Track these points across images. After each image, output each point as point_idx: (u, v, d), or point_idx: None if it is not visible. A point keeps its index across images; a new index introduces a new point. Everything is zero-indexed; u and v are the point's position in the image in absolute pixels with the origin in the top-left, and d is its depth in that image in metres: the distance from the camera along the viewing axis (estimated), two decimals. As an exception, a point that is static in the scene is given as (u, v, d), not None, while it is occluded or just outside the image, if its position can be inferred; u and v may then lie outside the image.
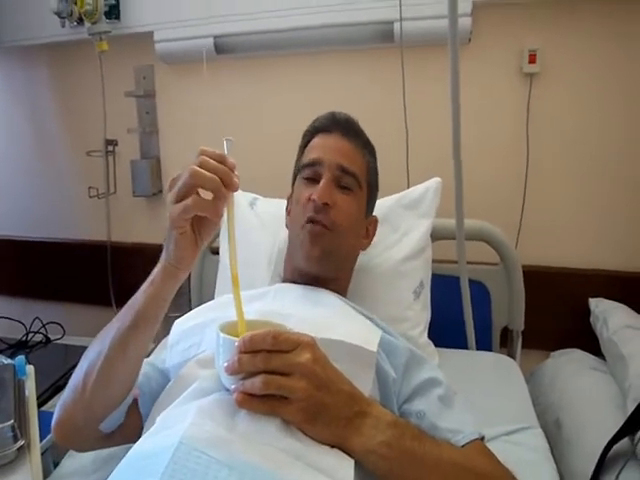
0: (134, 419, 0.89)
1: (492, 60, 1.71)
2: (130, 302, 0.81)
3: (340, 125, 1.13)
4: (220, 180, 0.70)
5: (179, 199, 0.71)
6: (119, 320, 0.81)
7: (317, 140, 1.14)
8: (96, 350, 0.82)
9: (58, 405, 0.88)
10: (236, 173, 0.72)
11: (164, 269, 0.78)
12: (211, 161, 0.71)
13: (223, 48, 1.86)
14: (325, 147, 1.11)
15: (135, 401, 0.90)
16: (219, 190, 0.70)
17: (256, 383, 0.68)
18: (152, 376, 0.95)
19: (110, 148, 2.10)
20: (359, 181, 1.10)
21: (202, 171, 0.70)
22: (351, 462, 0.70)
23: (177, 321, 1.03)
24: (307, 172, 1.10)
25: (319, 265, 1.06)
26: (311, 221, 1.05)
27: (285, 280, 1.16)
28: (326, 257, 1.05)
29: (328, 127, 1.13)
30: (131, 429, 0.88)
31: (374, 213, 1.24)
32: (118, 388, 0.83)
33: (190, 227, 0.75)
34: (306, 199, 1.06)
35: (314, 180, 1.08)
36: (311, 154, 1.12)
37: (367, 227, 1.20)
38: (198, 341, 0.93)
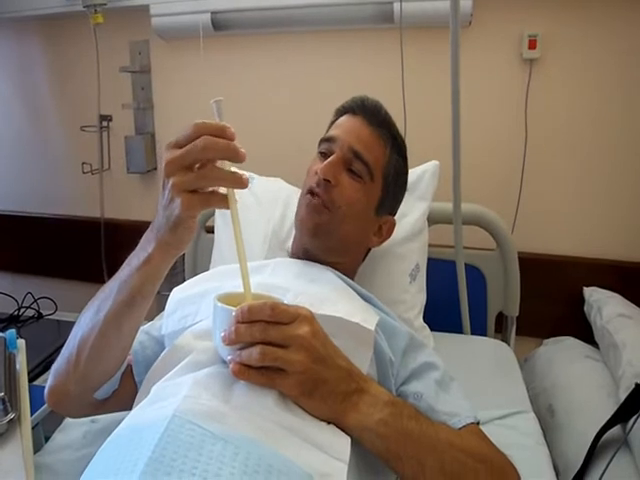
0: (128, 385, 0.89)
1: (492, 44, 1.69)
2: (123, 277, 0.76)
3: (366, 110, 1.10)
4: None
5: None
6: (112, 294, 0.77)
7: (342, 119, 1.12)
8: (89, 322, 0.80)
9: (51, 373, 0.87)
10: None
11: (160, 248, 0.72)
12: (220, 142, 0.66)
13: (220, 24, 1.83)
14: (345, 127, 1.09)
15: (129, 367, 0.90)
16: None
17: (253, 354, 0.67)
18: (147, 345, 0.95)
19: (104, 124, 2.08)
20: (371, 171, 1.06)
21: (215, 141, 0.65)
22: (348, 439, 0.69)
23: (175, 289, 1.02)
24: (322, 147, 1.09)
25: (312, 239, 1.05)
26: (310, 192, 1.04)
27: (291, 255, 1.15)
28: (321, 234, 1.04)
29: (354, 109, 1.11)
30: (125, 395, 0.88)
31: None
32: (112, 361, 0.83)
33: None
34: (314, 172, 1.06)
35: (327, 156, 1.06)
36: (332, 131, 1.11)
37: (381, 225, 1.16)
38: (194, 311, 0.92)
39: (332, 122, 1.16)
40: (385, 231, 1.17)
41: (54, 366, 0.87)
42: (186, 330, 0.87)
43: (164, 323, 0.94)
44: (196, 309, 0.92)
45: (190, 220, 0.68)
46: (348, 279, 1.05)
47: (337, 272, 1.05)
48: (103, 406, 0.90)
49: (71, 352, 0.82)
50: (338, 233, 1.05)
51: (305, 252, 1.09)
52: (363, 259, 1.21)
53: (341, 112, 1.14)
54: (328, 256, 1.08)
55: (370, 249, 1.21)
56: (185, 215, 0.67)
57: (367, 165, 1.05)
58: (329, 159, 1.03)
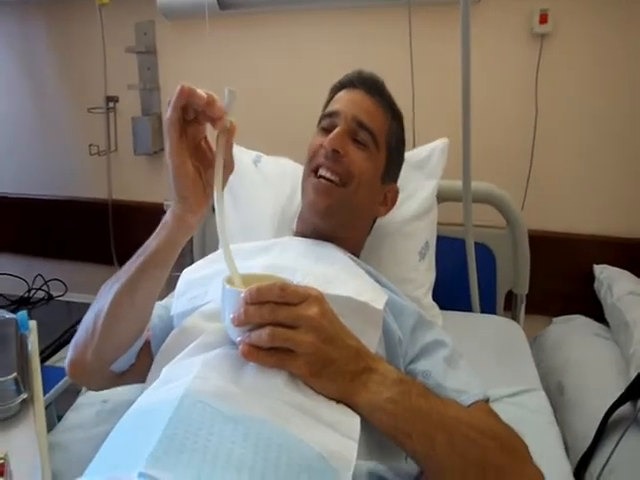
0: (146, 359, 0.89)
1: (502, 20, 1.67)
2: (141, 249, 0.81)
3: (365, 82, 1.11)
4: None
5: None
6: (129, 264, 0.81)
7: (341, 94, 1.12)
8: (106, 294, 0.82)
9: (71, 346, 0.88)
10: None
11: (172, 212, 0.78)
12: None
13: (226, 3, 1.81)
14: (346, 100, 1.09)
15: (147, 342, 0.91)
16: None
17: (263, 335, 0.67)
18: (165, 318, 0.95)
19: (111, 105, 2.08)
20: (376, 140, 1.06)
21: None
22: (357, 417, 0.69)
23: (185, 270, 1.03)
24: (324, 122, 1.09)
25: (324, 219, 1.05)
26: (318, 168, 1.04)
27: (297, 234, 1.14)
28: (332, 213, 1.04)
29: (353, 83, 1.12)
30: (143, 369, 0.88)
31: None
32: (126, 332, 0.84)
33: (192, 165, 0.75)
34: (317, 146, 1.05)
35: (329, 131, 1.05)
36: (332, 106, 1.10)
37: (386, 194, 1.16)
38: (203, 292, 0.92)
39: (329, 100, 1.15)
40: (390, 199, 1.18)
41: (74, 339, 0.88)
42: (195, 311, 0.88)
43: (174, 304, 0.95)
44: (205, 290, 0.92)
45: (174, 159, 0.73)
46: (356, 258, 1.05)
47: (345, 251, 1.05)
48: (121, 379, 0.91)
49: (89, 323, 0.84)
50: (350, 206, 1.05)
51: (314, 231, 1.08)
52: (369, 231, 1.21)
53: (338, 88, 1.14)
54: (338, 232, 1.08)
55: (375, 220, 1.21)
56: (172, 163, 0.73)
57: (372, 134, 1.06)
58: (335, 131, 1.03)
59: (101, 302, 0.83)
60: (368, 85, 1.10)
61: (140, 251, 0.81)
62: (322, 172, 1.03)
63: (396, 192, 1.20)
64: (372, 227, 1.21)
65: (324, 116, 1.10)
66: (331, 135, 1.02)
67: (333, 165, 1.02)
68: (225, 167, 0.74)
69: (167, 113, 0.73)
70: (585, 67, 1.64)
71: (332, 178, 1.03)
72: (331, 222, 1.06)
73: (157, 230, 0.80)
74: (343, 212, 1.05)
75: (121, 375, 0.90)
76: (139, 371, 0.89)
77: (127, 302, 0.80)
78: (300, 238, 1.10)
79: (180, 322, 0.88)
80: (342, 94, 1.12)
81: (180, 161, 0.73)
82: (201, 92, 0.71)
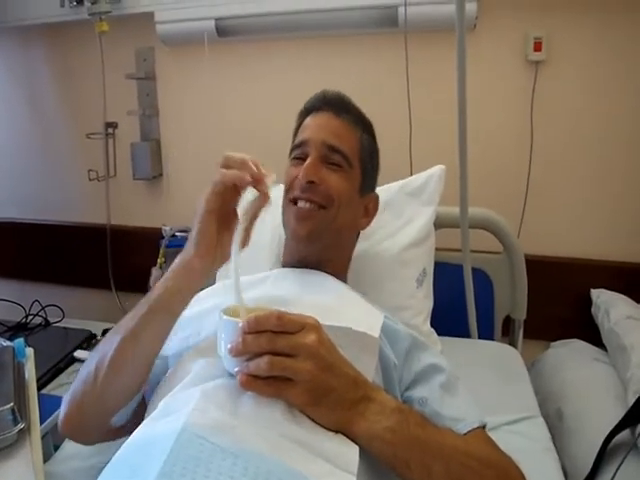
0: (142, 410, 0.88)
1: (497, 47, 1.69)
2: (146, 296, 0.81)
3: (330, 103, 1.10)
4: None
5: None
6: (135, 311, 0.81)
7: (308, 120, 1.12)
8: (108, 342, 0.82)
9: (65, 400, 0.87)
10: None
11: (180, 257, 0.80)
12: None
13: (225, 31, 1.83)
14: (314, 126, 1.09)
15: (143, 395, 0.89)
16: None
17: (261, 364, 0.67)
18: (158, 364, 0.94)
19: (110, 130, 2.09)
20: (349, 160, 1.07)
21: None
22: (356, 448, 0.69)
23: None
24: (296, 153, 1.09)
25: (309, 244, 1.05)
26: (295, 200, 1.04)
27: (285, 265, 1.14)
28: (316, 236, 1.04)
29: (318, 106, 1.11)
30: (140, 421, 0.87)
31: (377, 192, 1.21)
32: (130, 380, 0.82)
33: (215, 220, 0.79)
34: (293, 178, 1.05)
35: (302, 160, 1.05)
36: (301, 135, 1.10)
37: (366, 205, 1.16)
38: (197, 329, 0.91)
39: (297, 127, 1.15)
40: (371, 209, 1.18)
41: (68, 393, 0.87)
42: (190, 349, 0.87)
43: (167, 344, 0.94)
44: (199, 328, 0.91)
45: (206, 206, 0.78)
46: (347, 285, 1.06)
47: (336, 278, 1.05)
48: (118, 432, 0.88)
49: (89, 372, 0.82)
50: (333, 228, 1.05)
51: (302, 259, 1.08)
52: (355, 245, 1.20)
53: (305, 114, 1.14)
54: (324, 255, 1.07)
55: (359, 234, 1.21)
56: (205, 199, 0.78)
57: (344, 155, 1.06)
58: (307, 162, 1.03)
59: (104, 349, 0.82)
60: (334, 105, 1.10)
61: (145, 298, 0.81)
62: (301, 204, 1.04)
63: (376, 200, 1.20)
64: (357, 239, 1.21)
65: (295, 147, 1.10)
66: (304, 166, 1.02)
67: (311, 195, 1.02)
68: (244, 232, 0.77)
69: (216, 178, 0.78)
70: (580, 93, 1.66)
71: (311, 207, 1.03)
72: (317, 246, 1.06)
73: (164, 277, 0.82)
74: (327, 234, 1.05)
75: (119, 428, 0.87)
76: (137, 423, 0.88)
77: (132, 348, 0.80)
78: (289, 269, 1.09)
79: (175, 361, 0.87)
80: (309, 120, 1.11)
81: (206, 226, 0.78)
82: (250, 164, 0.76)
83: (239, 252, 0.75)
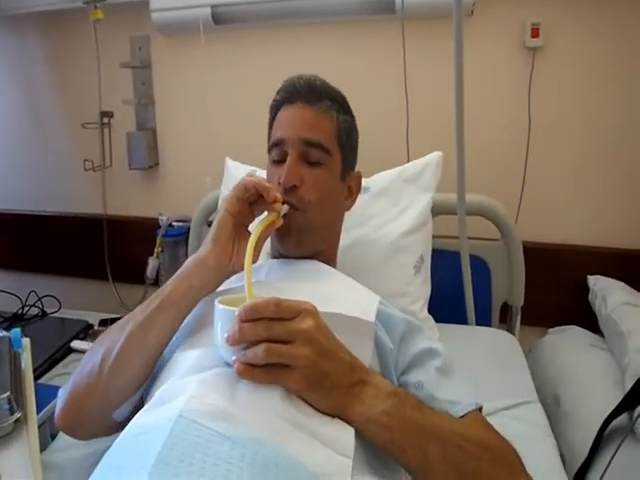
0: (142, 405, 0.88)
1: (494, 33, 1.68)
2: (157, 292, 0.84)
3: (303, 93, 1.05)
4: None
5: None
6: (145, 305, 0.84)
7: (281, 115, 1.07)
8: (114, 335, 0.83)
9: (63, 394, 0.87)
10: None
11: (194, 255, 0.87)
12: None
13: (221, 18, 1.81)
14: (288, 122, 1.05)
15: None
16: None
17: (258, 352, 0.67)
18: None
19: (105, 120, 2.07)
20: (327, 149, 1.03)
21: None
22: (352, 432, 0.69)
23: None
24: (274, 154, 1.05)
25: (297, 247, 1.03)
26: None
27: (275, 257, 1.12)
28: (302, 238, 1.02)
29: (290, 98, 1.06)
30: None
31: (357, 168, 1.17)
32: (136, 373, 0.82)
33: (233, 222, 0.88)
34: (276, 182, 1.01)
35: (282, 161, 1.02)
36: (276, 133, 1.06)
37: (349, 186, 1.14)
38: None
39: (271, 120, 1.11)
40: (354, 188, 1.16)
41: (66, 388, 0.87)
42: (186, 339, 0.86)
43: None
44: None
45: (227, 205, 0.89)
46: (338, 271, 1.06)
47: (328, 265, 1.05)
48: (118, 427, 0.86)
49: (93, 365, 0.83)
50: (316, 225, 1.03)
51: (293, 256, 1.06)
52: (341, 224, 1.17)
53: (277, 107, 1.09)
54: (316, 249, 1.06)
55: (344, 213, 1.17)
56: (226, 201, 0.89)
57: (322, 147, 1.02)
58: (287, 163, 1.00)
59: (110, 342, 0.82)
60: (307, 94, 1.05)
61: (156, 294, 0.84)
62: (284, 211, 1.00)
63: (358, 178, 1.17)
64: (342, 220, 1.17)
65: (272, 147, 1.06)
66: (285, 169, 0.99)
67: (292, 198, 0.98)
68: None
69: (239, 182, 0.90)
70: (577, 80, 1.65)
71: (296, 213, 0.99)
72: (304, 246, 1.03)
73: (176, 273, 0.87)
74: (314, 234, 1.04)
75: (119, 423, 0.86)
76: None
77: (140, 342, 0.81)
78: (283, 259, 1.06)
79: (172, 355, 0.86)
80: (282, 115, 1.07)
81: (225, 224, 0.87)
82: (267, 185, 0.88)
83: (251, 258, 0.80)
